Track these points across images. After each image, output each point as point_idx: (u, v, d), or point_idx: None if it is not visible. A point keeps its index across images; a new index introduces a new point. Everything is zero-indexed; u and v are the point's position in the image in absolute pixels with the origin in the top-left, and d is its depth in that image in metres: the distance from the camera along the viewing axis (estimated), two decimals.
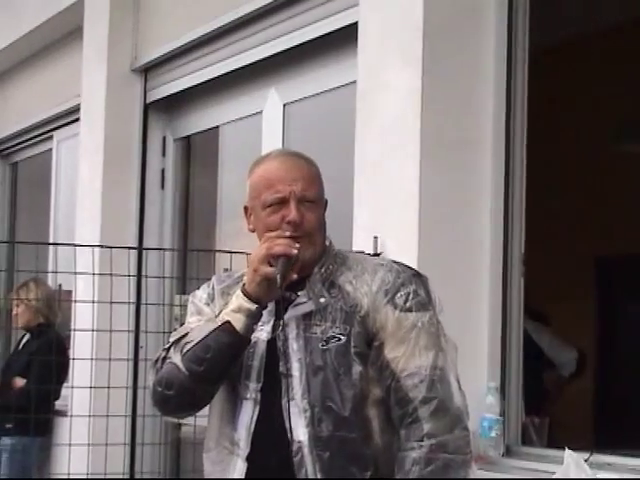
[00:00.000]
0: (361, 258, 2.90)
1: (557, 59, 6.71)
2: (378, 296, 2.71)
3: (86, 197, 7.04)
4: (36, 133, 8.72)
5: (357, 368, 2.67)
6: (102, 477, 5.50)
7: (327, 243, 2.84)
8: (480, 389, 4.29)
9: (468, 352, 4.37)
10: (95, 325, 5.76)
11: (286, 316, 2.70)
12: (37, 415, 5.96)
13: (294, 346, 2.69)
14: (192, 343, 2.67)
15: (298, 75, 5.65)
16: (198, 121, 6.66)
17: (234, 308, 2.66)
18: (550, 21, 5.40)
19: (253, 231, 2.82)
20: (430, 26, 4.38)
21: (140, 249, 6.45)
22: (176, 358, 2.69)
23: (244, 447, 2.70)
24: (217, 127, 6.55)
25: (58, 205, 8.27)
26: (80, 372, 6.07)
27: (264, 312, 2.70)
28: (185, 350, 2.67)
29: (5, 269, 8.76)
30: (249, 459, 2.69)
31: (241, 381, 2.73)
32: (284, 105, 5.76)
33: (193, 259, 6.35)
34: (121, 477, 5.90)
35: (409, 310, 2.71)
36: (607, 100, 6.94)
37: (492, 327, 4.39)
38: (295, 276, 2.68)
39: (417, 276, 2.82)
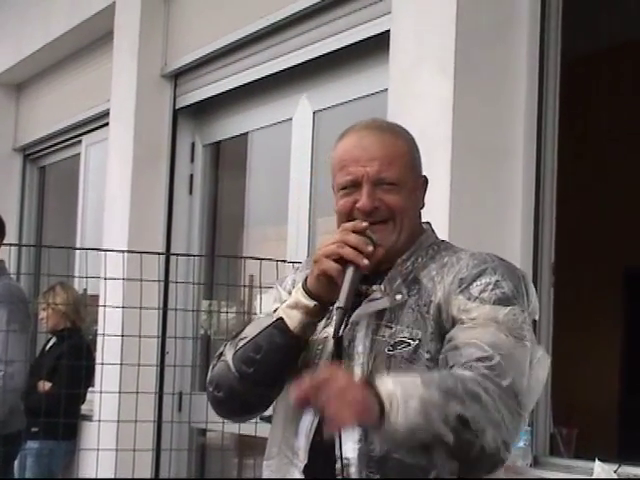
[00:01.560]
0: (453, 250, 2.48)
1: (589, 69, 6.71)
2: (452, 286, 2.34)
3: (114, 201, 7.08)
4: (65, 137, 8.77)
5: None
6: None
7: (425, 228, 2.52)
8: None
9: None
10: (122, 330, 5.80)
11: (357, 312, 2.35)
12: (64, 419, 5.99)
13: (359, 348, 2.34)
14: (245, 340, 2.38)
15: (329, 82, 5.67)
16: (227, 127, 6.69)
17: (291, 303, 2.36)
18: (582, 31, 5.41)
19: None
20: (463, 35, 4.39)
21: (168, 254, 6.48)
22: (229, 356, 2.40)
23: (302, 457, 2.36)
24: (246, 133, 6.58)
25: (86, 209, 8.32)
26: (106, 377, 6.11)
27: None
28: (237, 348, 2.39)
29: (32, 273, 8.82)
30: (304, 471, 2.37)
31: None
32: (314, 112, 5.78)
33: (221, 265, 6.37)
34: None
35: (483, 302, 2.29)
36: (638, 110, 6.93)
37: None
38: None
39: (510, 269, 2.38)
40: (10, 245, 5.90)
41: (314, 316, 2.35)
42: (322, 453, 2.33)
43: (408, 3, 4.69)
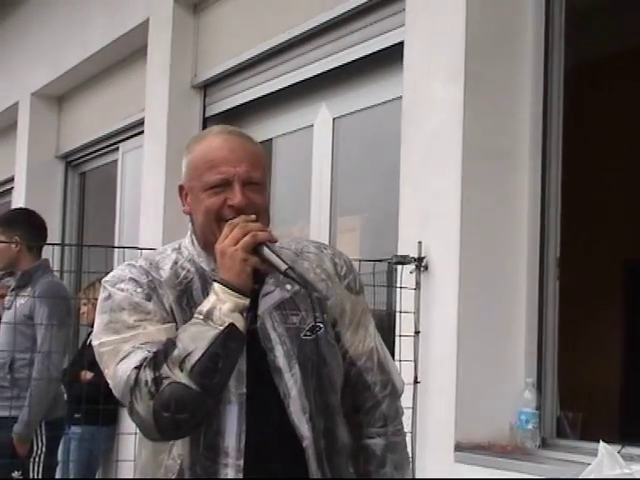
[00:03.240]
0: (294, 240, 2.58)
1: (591, 75, 6.67)
2: (336, 281, 2.48)
3: (149, 204, 7.09)
4: (103, 145, 8.78)
5: (338, 355, 2.45)
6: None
7: None
8: (518, 385, 4.28)
9: (507, 350, 4.36)
10: None
11: (261, 308, 2.37)
12: (105, 406, 5.99)
13: (276, 340, 2.36)
14: (195, 356, 2.20)
15: (347, 91, 5.65)
16: (253, 134, 6.47)
17: (231, 307, 2.23)
18: (585, 40, 5.37)
19: (189, 213, 2.43)
20: (472, 45, 4.37)
21: None
22: (178, 376, 2.20)
23: (235, 455, 2.30)
24: (271, 139, 6.56)
25: (123, 211, 8.31)
26: None
27: None
28: (190, 365, 2.20)
29: (74, 270, 8.84)
30: (245, 466, 2.30)
31: None
32: (334, 119, 5.76)
33: None
34: None
35: (358, 293, 2.53)
36: (637, 113, 6.89)
37: (529, 326, 4.37)
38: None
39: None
40: (54, 245, 5.91)
41: (245, 312, 2.29)
42: (262, 445, 2.32)
43: (420, 16, 4.67)
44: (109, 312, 2.35)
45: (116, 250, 7.33)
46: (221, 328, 2.22)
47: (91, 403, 6.02)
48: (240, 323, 2.25)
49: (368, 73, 5.43)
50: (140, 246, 6.16)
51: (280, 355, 2.35)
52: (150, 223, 7.01)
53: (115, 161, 8.55)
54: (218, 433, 2.31)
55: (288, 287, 2.39)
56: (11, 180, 10.27)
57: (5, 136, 10.82)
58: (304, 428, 2.34)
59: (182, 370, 2.20)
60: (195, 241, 2.45)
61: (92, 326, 6.94)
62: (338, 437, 2.43)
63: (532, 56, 4.45)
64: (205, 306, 2.26)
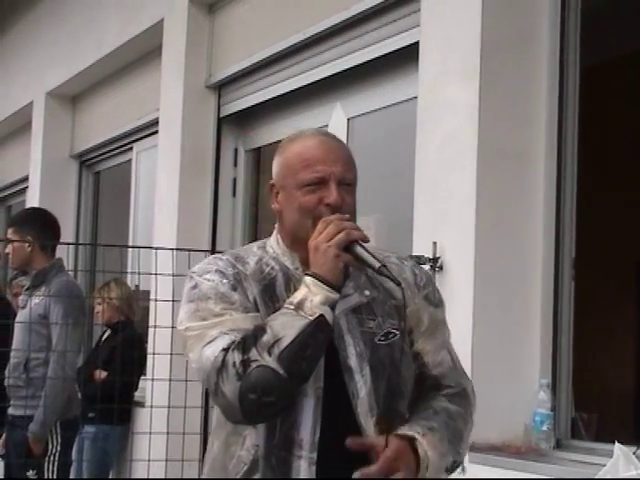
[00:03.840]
0: (374, 249, 2.55)
1: (607, 76, 6.66)
2: (415, 291, 2.53)
3: (164, 204, 7.10)
4: (117, 144, 8.79)
5: (412, 364, 2.49)
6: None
7: None
8: (533, 386, 4.27)
9: (522, 351, 4.36)
10: (172, 322, 5.78)
11: (338, 309, 2.38)
12: (119, 405, 6.01)
13: (350, 341, 2.40)
14: (284, 342, 2.25)
15: (362, 91, 5.65)
16: (267, 134, 6.68)
17: (322, 300, 2.28)
18: (601, 40, 5.36)
19: (279, 211, 2.48)
20: (487, 46, 4.37)
21: (213, 252, 6.48)
22: (266, 360, 2.25)
23: (308, 449, 2.35)
24: None
25: (137, 210, 8.33)
26: (157, 366, 6.11)
27: None
28: (279, 350, 2.25)
29: (88, 270, 8.86)
30: (318, 462, 2.35)
31: None
32: (348, 119, 5.76)
33: None
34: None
35: (437, 306, 2.59)
36: None
37: (544, 327, 4.37)
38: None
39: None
40: (68, 244, 5.92)
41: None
42: (331, 442, 2.34)
43: (435, 16, 4.67)
44: (196, 301, 2.41)
45: (130, 250, 7.37)
46: (311, 318, 2.27)
47: (105, 402, 6.05)
48: (329, 316, 2.29)
49: (383, 73, 5.43)
50: (154, 245, 6.18)
51: (352, 355, 2.40)
52: (164, 223, 7.03)
53: (129, 161, 8.57)
54: (294, 425, 2.35)
55: (367, 292, 2.46)
56: (25, 179, 10.32)
57: (20, 135, 10.87)
58: (370, 430, 2.37)
59: (270, 355, 2.25)
60: (280, 240, 2.50)
61: (107, 325, 7.08)
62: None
63: (548, 57, 4.44)
64: (296, 297, 2.31)
